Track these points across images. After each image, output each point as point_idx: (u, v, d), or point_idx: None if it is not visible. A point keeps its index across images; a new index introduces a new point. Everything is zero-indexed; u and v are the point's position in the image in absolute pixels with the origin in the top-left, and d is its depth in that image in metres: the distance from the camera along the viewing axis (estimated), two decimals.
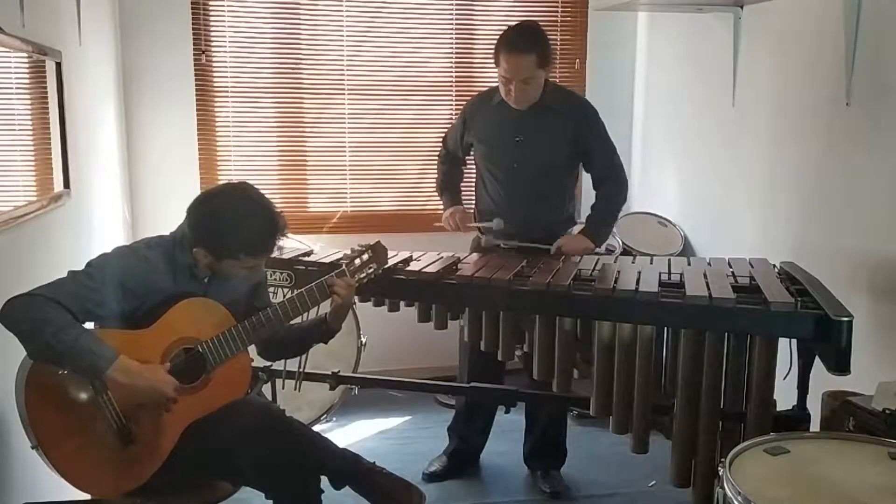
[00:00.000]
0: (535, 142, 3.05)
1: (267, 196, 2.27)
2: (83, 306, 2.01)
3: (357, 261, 2.44)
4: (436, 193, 3.40)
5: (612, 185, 3.15)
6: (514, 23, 3.01)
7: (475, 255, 3.00)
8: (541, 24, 4.36)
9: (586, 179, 4.47)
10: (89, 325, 2.08)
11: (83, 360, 1.97)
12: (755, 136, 3.41)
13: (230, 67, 4.16)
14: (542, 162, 3.06)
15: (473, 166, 3.30)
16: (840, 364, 2.14)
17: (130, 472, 2.11)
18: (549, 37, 3.03)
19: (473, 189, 3.30)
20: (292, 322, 2.38)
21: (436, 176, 3.37)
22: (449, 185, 3.31)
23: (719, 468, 1.73)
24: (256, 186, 2.28)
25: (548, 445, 3.31)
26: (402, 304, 2.89)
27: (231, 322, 2.23)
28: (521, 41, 2.92)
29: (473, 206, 3.29)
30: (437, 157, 3.41)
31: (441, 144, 3.39)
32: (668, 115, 4.24)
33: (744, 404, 2.36)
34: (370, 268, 2.47)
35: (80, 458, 2.06)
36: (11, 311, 1.95)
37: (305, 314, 2.39)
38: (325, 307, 2.44)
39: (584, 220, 3.21)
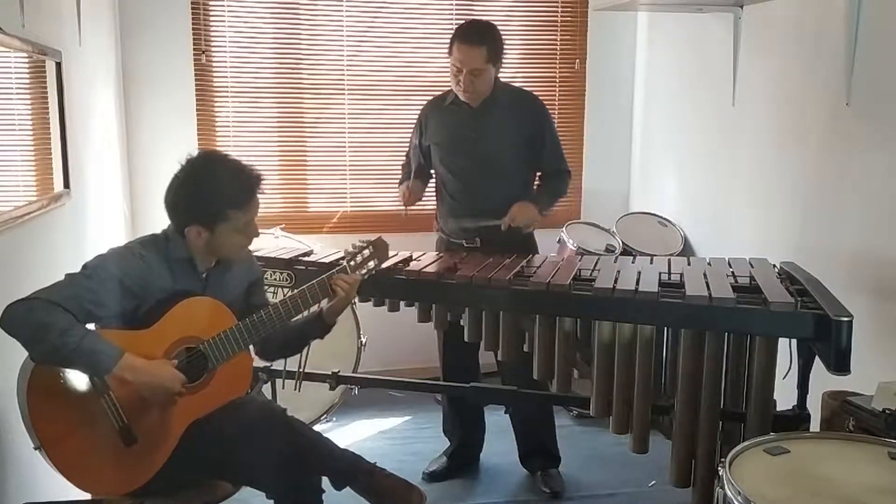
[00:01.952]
0: (489, 138, 3.08)
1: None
2: (83, 308, 2.01)
3: (358, 256, 2.44)
4: (429, 193, 3.40)
5: (560, 177, 3.22)
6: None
7: (475, 255, 3.00)
8: (541, 24, 4.43)
9: (588, 178, 4.56)
10: (90, 327, 2.08)
11: (89, 359, 1.97)
12: (755, 136, 3.41)
13: (230, 67, 4.17)
14: (497, 157, 3.10)
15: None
16: (840, 364, 2.14)
17: (132, 472, 2.11)
18: (502, 37, 3.06)
19: (435, 195, 3.31)
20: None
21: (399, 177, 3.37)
22: (410, 175, 3.29)
23: (719, 468, 1.73)
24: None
25: (538, 447, 3.32)
26: (402, 304, 2.89)
27: (232, 321, 2.24)
28: (475, 33, 2.99)
29: (435, 211, 3.31)
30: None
31: (404, 161, 3.39)
32: (668, 115, 4.24)
33: (744, 404, 2.36)
34: (371, 263, 2.47)
35: (82, 458, 2.06)
36: (12, 318, 1.95)
37: (306, 311, 2.39)
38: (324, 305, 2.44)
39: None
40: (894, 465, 1.77)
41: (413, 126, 3.32)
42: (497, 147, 3.09)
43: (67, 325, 1.95)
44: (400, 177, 3.36)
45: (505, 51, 3.08)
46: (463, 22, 3.12)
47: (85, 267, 2.09)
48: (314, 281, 2.35)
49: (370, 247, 2.48)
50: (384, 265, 2.55)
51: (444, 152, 3.18)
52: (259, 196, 2.26)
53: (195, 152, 2.33)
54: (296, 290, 2.35)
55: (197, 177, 2.21)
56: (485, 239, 3.10)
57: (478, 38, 2.97)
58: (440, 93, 3.26)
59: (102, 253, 2.18)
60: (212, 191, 2.19)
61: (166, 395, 2.08)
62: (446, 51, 3.02)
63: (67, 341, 1.93)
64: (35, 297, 1.97)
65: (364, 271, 2.45)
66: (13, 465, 2.31)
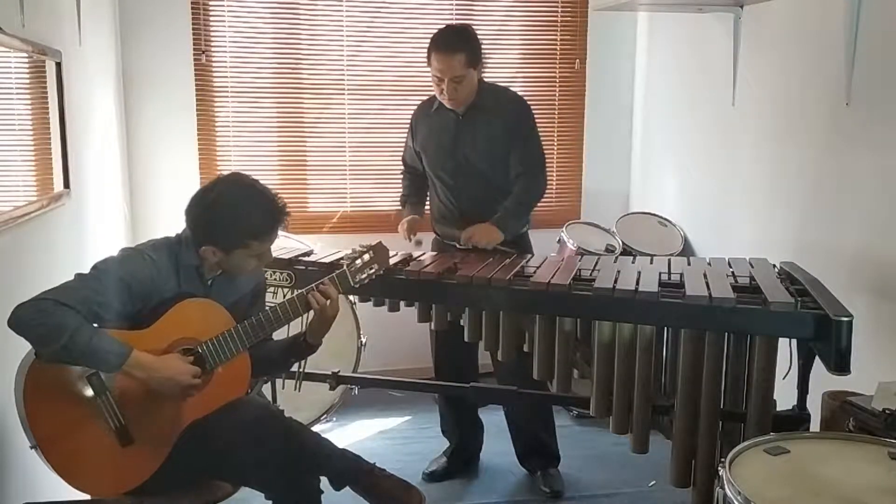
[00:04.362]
0: (474, 144, 3.07)
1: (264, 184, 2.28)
2: (91, 309, 2.01)
3: (358, 261, 2.44)
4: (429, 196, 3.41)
5: (528, 180, 3.11)
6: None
7: (475, 255, 2.99)
8: (541, 24, 4.43)
9: (588, 178, 4.56)
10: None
11: (98, 358, 1.98)
12: (755, 136, 3.40)
13: (230, 67, 4.16)
14: (483, 163, 3.09)
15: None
16: (840, 364, 2.14)
17: (129, 473, 2.10)
18: (479, 37, 3.05)
19: (428, 197, 3.32)
20: (289, 324, 2.37)
21: (400, 191, 3.39)
22: (409, 199, 3.32)
23: (719, 468, 1.73)
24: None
25: (537, 446, 3.32)
26: (402, 304, 2.89)
27: (231, 323, 2.23)
28: (451, 40, 2.97)
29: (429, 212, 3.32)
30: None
31: (402, 163, 3.41)
32: (668, 115, 4.24)
33: (744, 404, 2.36)
34: (371, 268, 2.47)
35: (78, 458, 2.06)
36: (23, 318, 1.95)
37: (306, 315, 2.38)
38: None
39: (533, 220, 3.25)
40: (894, 465, 1.77)
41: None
42: (484, 152, 3.08)
43: (77, 324, 1.95)
44: (401, 185, 3.37)
45: (483, 51, 3.06)
46: (437, 31, 3.06)
47: (95, 268, 2.09)
48: (314, 284, 2.34)
49: (370, 251, 2.47)
50: (384, 270, 2.54)
51: (432, 158, 3.19)
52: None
53: (225, 173, 2.30)
54: (297, 292, 2.34)
55: (222, 203, 2.17)
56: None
57: (454, 44, 2.95)
58: (428, 97, 3.24)
59: (113, 255, 2.18)
60: (235, 220, 2.17)
61: (176, 390, 2.08)
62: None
63: (77, 341, 1.94)
64: (44, 298, 1.97)
65: (364, 276, 2.45)
66: (13, 465, 2.31)
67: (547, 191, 3.23)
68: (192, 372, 2.11)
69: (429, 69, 3.03)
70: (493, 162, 3.09)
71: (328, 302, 2.32)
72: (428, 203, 3.34)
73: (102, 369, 2.02)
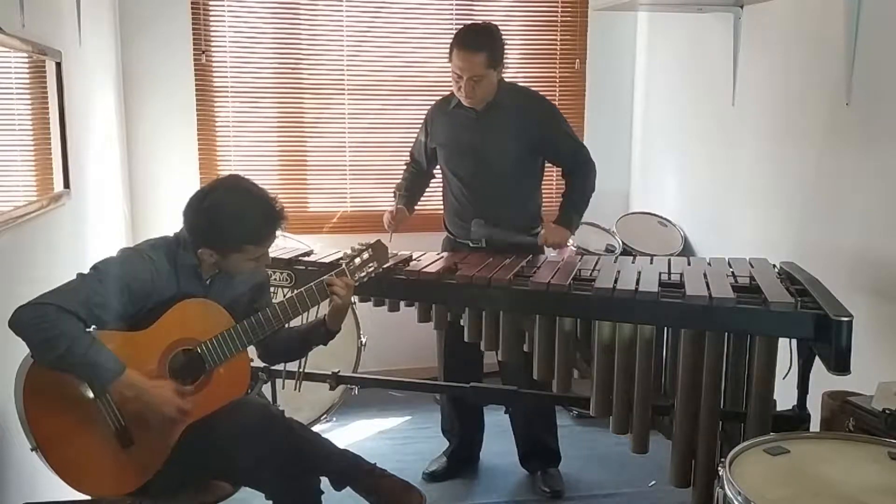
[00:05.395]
0: (492, 142, 3.07)
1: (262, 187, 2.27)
2: (91, 311, 2.01)
3: (357, 259, 2.44)
4: (436, 194, 3.41)
5: (582, 173, 3.17)
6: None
7: (476, 255, 2.99)
8: (541, 24, 4.43)
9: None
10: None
11: (91, 371, 1.99)
12: (755, 136, 3.41)
13: (230, 67, 4.17)
14: (500, 162, 3.08)
15: (440, 173, 3.32)
16: (840, 364, 2.14)
17: (130, 474, 2.10)
18: (502, 38, 3.04)
19: (441, 195, 3.31)
20: (292, 323, 2.37)
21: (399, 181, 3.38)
22: (403, 191, 3.29)
23: (719, 468, 1.73)
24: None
25: (538, 446, 3.32)
26: (402, 304, 2.89)
27: (230, 322, 2.23)
28: (473, 40, 2.96)
29: (442, 212, 3.31)
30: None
31: (409, 157, 3.41)
32: (668, 115, 4.24)
33: (744, 404, 2.37)
34: (370, 266, 2.47)
35: (79, 459, 2.06)
36: (24, 322, 1.95)
37: (305, 314, 2.39)
38: (324, 307, 2.43)
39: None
40: (894, 465, 1.77)
41: (418, 125, 3.32)
42: (501, 151, 3.07)
43: (76, 334, 1.95)
44: (401, 177, 3.37)
45: (506, 52, 3.06)
46: (462, 26, 3.08)
47: (95, 269, 2.09)
48: (312, 283, 2.35)
49: (369, 249, 2.47)
50: (383, 268, 2.54)
51: (449, 156, 3.18)
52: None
53: (224, 176, 2.30)
54: (294, 293, 2.34)
55: (220, 207, 2.17)
56: (491, 240, 3.09)
57: (477, 44, 2.94)
58: (447, 93, 3.24)
59: (112, 256, 2.17)
60: (232, 225, 2.16)
61: (161, 418, 2.08)
62: (447, 50, 3.01)
63: (74, 351, 1.94)
64: (47, 303, 1.96)
65: (363, 274, 2.45)
66: (13, 465, 2.31)
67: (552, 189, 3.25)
68: (179, 406, 2.09)
69: (447, 60, 3.02)
70: (511, 161, 3.09)
71: (343, 291, 2.34)
72: (442, 203, 3.31)
73: (94, 382, 2.02)
